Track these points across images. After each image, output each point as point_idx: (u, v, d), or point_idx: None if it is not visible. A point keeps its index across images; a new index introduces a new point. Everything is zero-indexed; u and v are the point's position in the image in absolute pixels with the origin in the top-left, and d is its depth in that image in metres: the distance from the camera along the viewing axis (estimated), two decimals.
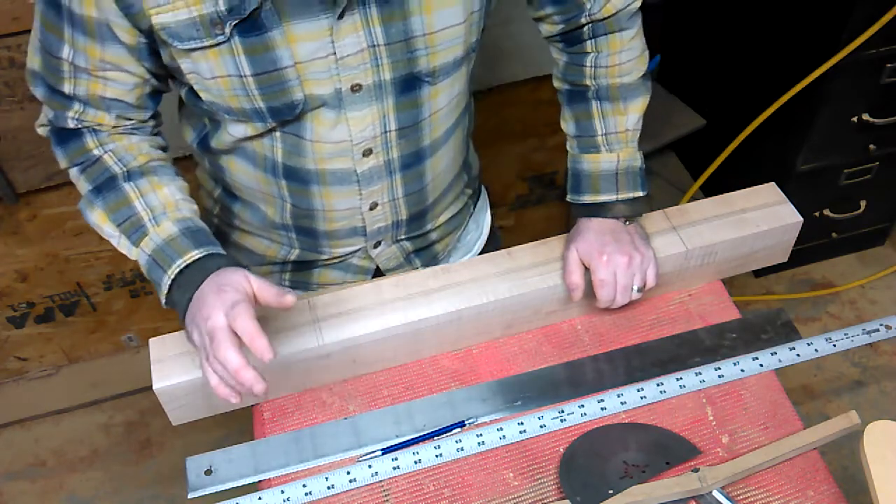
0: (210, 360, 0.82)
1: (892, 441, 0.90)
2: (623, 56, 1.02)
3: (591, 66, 1.03)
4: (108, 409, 2.10)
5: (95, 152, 0.94)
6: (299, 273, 1.12)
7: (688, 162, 2.48)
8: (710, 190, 2.08)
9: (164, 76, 0.92)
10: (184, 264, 0.88)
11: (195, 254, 0.88)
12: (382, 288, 1.02)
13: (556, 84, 1.09)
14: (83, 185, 0.95)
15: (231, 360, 0.80)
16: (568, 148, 1.09)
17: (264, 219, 1.06)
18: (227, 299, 0.82)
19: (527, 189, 2.05)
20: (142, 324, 1.96)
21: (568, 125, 1.08)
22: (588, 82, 1.04)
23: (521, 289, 1.02)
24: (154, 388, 0.96)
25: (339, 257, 1.10)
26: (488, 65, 1.70)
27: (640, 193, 1.05)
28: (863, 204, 2.16)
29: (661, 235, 1.06)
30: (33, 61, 0.90)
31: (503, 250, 1.07)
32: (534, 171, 2.06)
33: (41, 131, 0.96)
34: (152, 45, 0.86)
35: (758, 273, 2.30)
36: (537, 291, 1.02)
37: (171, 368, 0.96)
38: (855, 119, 1.92)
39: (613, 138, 1.04)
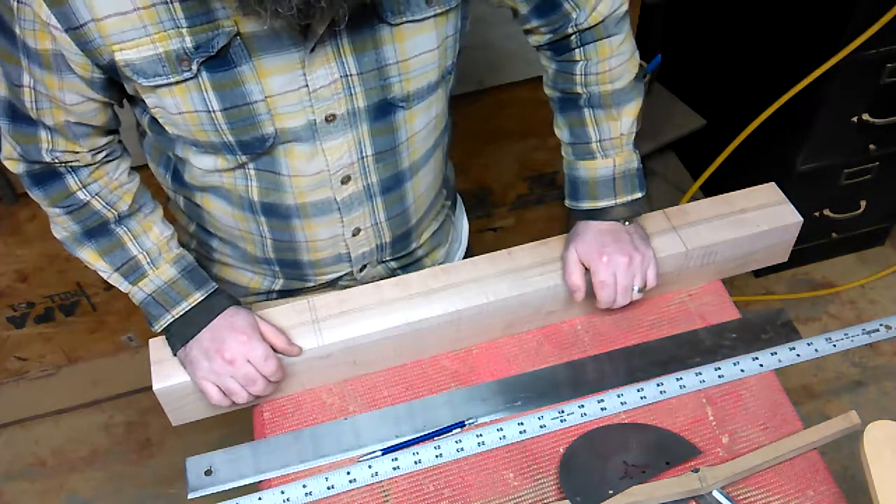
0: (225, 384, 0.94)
1: (892, 441, 0.90)
2: (613, 62, 1.00)
3: (582, 74, 1.01)
4: (108, 409, 2.10)
5: (80, 196, 0.93)
6: (286, 299, 1.11)
7: (688, 162, 2.48)
8: (710, 190, 2.08)
9: (122, 101, 0.90)
10: (189, 307, 0.96)
11: (198, 296, 0.96)
12: (383, 288, 1.02)
13: (547, 91, 1.07)
14: (69, 225, 0.95)
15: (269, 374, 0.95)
16: (563, 154, 1.08)
17: (244, 254, 1.05)
18: (255, 350, 0.94)
19: (527, 189, 2.05)
20: (142, 324, 1.96)
21: (562, 132, 1.07)
22: (579, 90, 1.03)
23: (522, 289, 1.02)
24: (154, 388, 0.96)
25: (324, 283, 1.09)
26: (488, 65, 1.70)
27: (639, 195, 1.05)
28: (863, 204, 2.16)
29: (660, 236, 1.06)
30: (0, 88, 0.88)
31: (503, 250, 1.07)
32: (534, 171, 2.06)
33: (11, 166, 0.93)
34: (111, 79, 0.83)
35: (758, 273, 2.30)
36: (537, 291, 1.02)
37: (171, 369, 0.96)
38: (855, 119, 1.92)
39: (608, 144, 1.03)
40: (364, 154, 0.92)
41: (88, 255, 0.97)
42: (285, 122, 0.86)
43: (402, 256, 1.11)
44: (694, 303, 1.10)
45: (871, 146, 2.00)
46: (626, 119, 1.03)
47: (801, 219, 1.09)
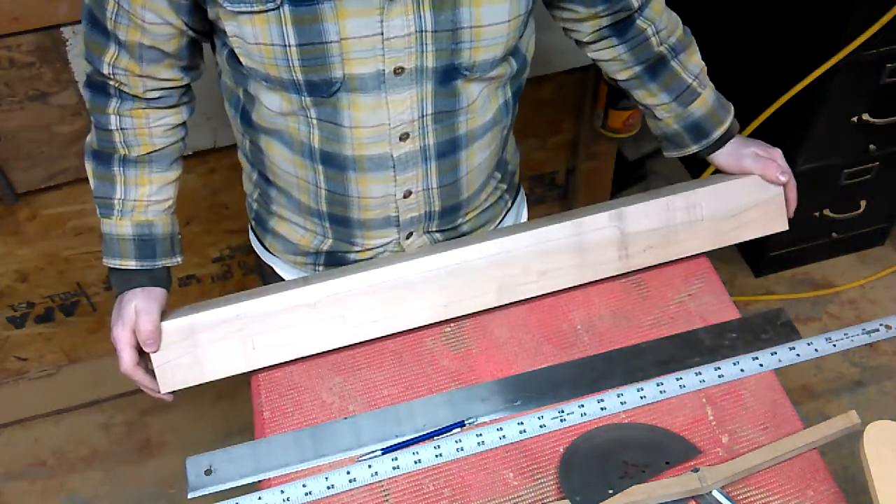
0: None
1: (892, 441, 0.90)
2: (665, 13, 1.08)
3: (655, 35, 1.07)
4: (108, 409, 2.10)
5: (111, 120, 0.99)
6: (332, 266, 1.14)
7: (688, 162, 2.48)
8: None
9: (203, 31, 0.93)
10: (119, 266, 1.02)
11: (131, 264, 1.02)
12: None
13: (625, 74, 1.11)
14: (92, 136, 1.02)
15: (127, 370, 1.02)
16: (664, 114, 1.12)
17: (299, 205, 1.07)
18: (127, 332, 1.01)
19: (527, 189, 2.06)
20: None
21: (657, 96, 1.11)
22: (661, 49, 1.08)
23: (506, 245, 1.04)
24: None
25: (370, 250, 1.10)
26: None
27: (730, 104, 1.13)
28: (863, 204, 2.16)
29: (639, 197, 1.09)
30: None
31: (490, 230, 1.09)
32: (534, 171, 2.06)
33: (83, 65, 0.99)
34: (194, 2, 0.87)
35: (758, 273, 2.30)
36: (522, 241, 1.04)
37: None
38: (855, 119, 1.92)
39: (701, 76, 1.11)
40: (424, 112, 0.95)
41: (88, 169, 1.03)
42: (355, 68, 0.88)
43: (447, 230, 1.13)
44: (694, 303, 1.10)
45: (871, 146, 2.00)
46: (697, 51, 1.11)
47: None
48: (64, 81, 1.46)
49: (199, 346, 0.99)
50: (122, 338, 1.00)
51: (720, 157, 1.12)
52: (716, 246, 1.12)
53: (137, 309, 0.99)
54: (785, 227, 1.14)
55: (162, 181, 1.03)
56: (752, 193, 1.10)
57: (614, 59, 1.10)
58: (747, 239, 1.13)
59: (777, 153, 1.11)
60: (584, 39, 1.10)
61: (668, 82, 1.09)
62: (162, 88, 0.98)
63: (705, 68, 1.11)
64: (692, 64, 1.09)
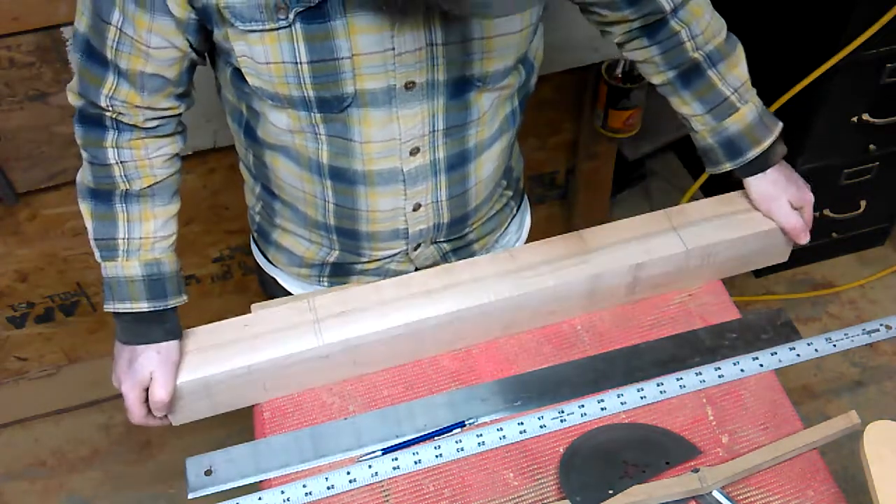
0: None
1: (892, 441, 0.90)
2: (706, 17, 1.02)
3: (690, 40, 1.02)
4: (108, 409, 2.10)
5: (109, 154, 0.95)
6: (337, 277, 1.13)
7: (688, 162, 2.48)
8: (710, 190, 2.07)
9: (204, 52, 0.92)
10: (129, 310, 0.97)
11: (143, 306, 0.96)
12: (382, 288, 1.02)
13: (659, 79, 1.07)
14: (86, 173, 0.97)
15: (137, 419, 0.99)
16: (699, 126, 1.07)
17: (305, 219, 1.06)
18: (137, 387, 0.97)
19: (527, 189, 2.05)
20: None
21: (691, 106, 1.06)
22: (695, 55, 1.03)
23: (522, 289, 1.02)
24: None
25: (377, 261, 1.10)
26: None
27: (780, 124, 1.07)
28: (863, 204, 2.16)
29: (660, 235, 1.06)
30: (80, 21, 0.89)
31: (503, 250, 1.07)
32: (534, 171, 2.06)
33: (70, 97, 0.96)
34: (200, 22, 0.86)
35: (758, 273, 2.30)
36: (538, 291, 1.02)
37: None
38: (855, 119, 1.92)
39: (742, 90, 1.05)
40: (435, 128, 0.94)
41: (84, 210, 0.98)
42: (366, 83, 0.87)
43: (455, 239, 1.12)
44: (694, 303, 1.10)
45: (871, 146, 2.00)
46: (742, 62, 1.05)
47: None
48: (64, 81, 1.46)
49: (213, 395, 0.99)
50: (133, 396, 0.96)
51: (754, 189, 1.07)
52: (717, 278, 1.12)
53: (154, 376, 0.95)
54: (785, 259, 1.14)
55: (166, 215, 0.99)
56: (765, 239, 1.09)
57: (647, 61, 1.06)
58: (747, 270, 1.13)
59: (809, 202, 1.06)
60: (616, 40, 1.08)
61: (702, 92, 1.04)
62: (161, 117, 0.96)
63: (749, 81, 1.05)
64: (733, 76, 1.04)
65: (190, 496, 0.95)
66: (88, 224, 0.98)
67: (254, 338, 0.98)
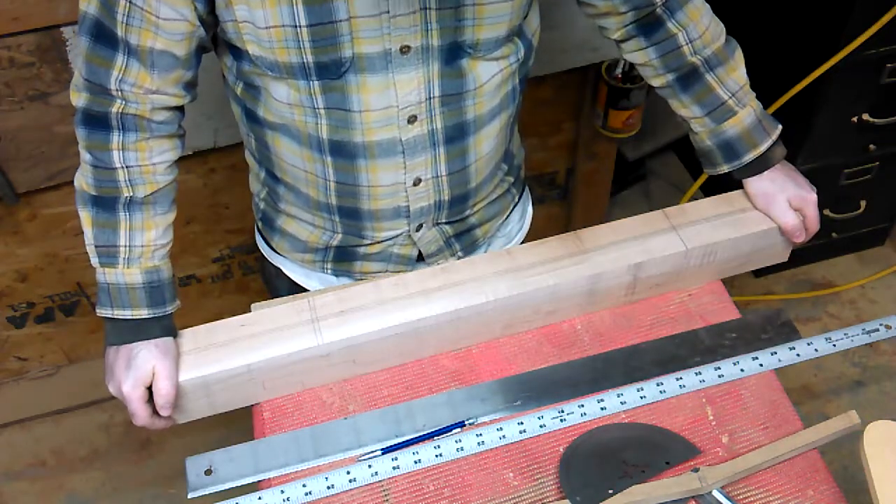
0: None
1: (892, 441, 0.90)
2: (705, 20, 1.03)
3: (687, 44, 1.03)
4: (108, 409, 2.10)
5: (114, 157, 0.94)
6: (341, 262, 1.13)
7: (688, 162, 2.48)
8: (710, 190, 2.07)
9: (212, 28, 0.92)
10: (130, 317, 0.96)
11: (143, 313, 0.96)
12: (382, 287, 1.02)
13: (658, 81, 1.08)
14: (88, 178, 0.96)
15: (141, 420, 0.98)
16: (698, 128, 1.09)
17: (308, 201, 1.07)
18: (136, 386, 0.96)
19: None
20: None
21: (689, 109, 1.07)
22: (693, 60, 1.04)
23: (521, 288, 1.02)
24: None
25: (380, 243, 1.10)
26: None
27: (779, 126, 1.08)
28: (863, 204, 2.16)
29: (660, 235, 1.06)
30: (89, 3, 0.89)
31: (503, 250, 1.07)
32: (534, 171, 2.06)
33: (74, 97, 0.95)
34: None
35: (758, 273, 2.30)
36: (537, 291, 1.02)
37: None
38: (855, 119, 1.92)
39: (741, 94, 1.06)
40: (432, 94, 0.95)
41: (84, 218, 0.97)
42: (363, 47, 0.89)
43: (456, 221, 1.13)
44: (694, 303, 1.10)
45: (871, 146, 2.00)
46: (742, 66, 1.06)
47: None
48: (64, 81, 1.46)
49: (212, 395, 0.99)
50: (136, 396, 0.95)
51: (753, 188, 1.08)
52: (716, 278, 1.12)
53: (156, 370, 0.94)
54: (785, 259, 1.14)
55: (165, 223, 0.99)
56: (765, 239, 1.09)
57: (646, 64, 1.07)
58: (747, 270, 1.13)
59: (810, 204, 1.06)
60: (614, 37, 1.08)
61: (701, 96, 1.06)
62: (167, 108, 0.96)
63: (747, 85, 1.06)
64: (731, 80, 1.05)
65: (190, 496, 0.95)
66: (87, 230, 0.97)
67: (253, 337, 0.98)
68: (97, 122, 0.94)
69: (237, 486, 0.95)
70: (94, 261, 0.97)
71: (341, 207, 1.06)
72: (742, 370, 1.01)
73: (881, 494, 0.87)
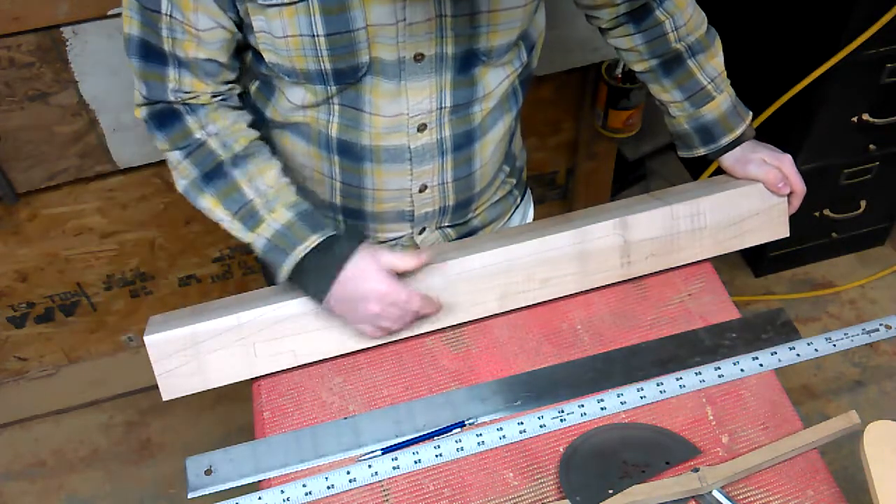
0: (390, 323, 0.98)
1: (892, 441, 0.90)
2: (689, 9, 1.07)
3: (673, 31, 1.07)
4: (108, 409, 2.10)
5: (198, 135, 0.96)
6: None
7: (688, 162, 2.48)
8: None
9: (249, 26, 0.93)
10: (307, 249, 0.94)
11: (315, 238, 0.94)
12: None
13: (641, 66, 1.12)
14: (188, 170, 0.96)
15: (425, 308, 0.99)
16: (677, 112, 1.13)
17: (313, 199, 1.07)
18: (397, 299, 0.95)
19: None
20: (142, 324, 1.95)
21: (670, 93, 1.11)
22: (678, 46, 1.08)
23: (509, 253, 1.03)
24: (145, 338, 0.97)
25: (383, 244, 1.11)
26: None
27: (750, 113, 1.13)
28: (863, 204, 2.16)
29: (643, 203, 1.10)
30: (131, 25, 0.90)
31: (491, 233, 1.09)
32: (534, 171, 2.06)
33: (138, 112, 0.96)
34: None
35: (758, 273, 2.30)
36: (524, 248, 1.04)
37: (165, 323, 0.99)
38: (855, 119, 1.92)
39: (718, 80, 1.10)
40: (443, 104, 0.96)
41: (209, 202, 0.96)
42: (380, 53, 0.90)
43: (459, 224, 1.14)
44: (694, 302, 1.10)
45: (871, 146, 2.00)
46: (720, 54, 1.11)
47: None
48: (64, 81, 1.46)
49: (202, 354, 0.99)
50: (405, 293, 0.95)
51: (727, 160, 1.12)
52: (717, 253, 1.12)
53: (378, 266, 0.94)
54: (786, 233, 1.14)
55: (275, 167, 0.97)
56: (755, 201, 1.11)
57: (631, 49, 1.10)
58: (749, 246, 1.13)
59: (786, 160, 1.10)
60: (603, 26, 1.11)
61: (681, 81, 1.09)
62: (223, 94, 0.97)
63: (724, 73, 1.11)
64: (710, 66, 1.09)
65: (190, 496, 0.95)
66: (219, 212, 0.96)
67: (243, 302, 1.01)
68: (168, 118, 0.95)
69: (237, 486, 0.95)
70: (243, 234, 0.96)
71: (345, 208, 1.06)
72: (742, 370, 1.01)
73: (881, 494, 0.87)
